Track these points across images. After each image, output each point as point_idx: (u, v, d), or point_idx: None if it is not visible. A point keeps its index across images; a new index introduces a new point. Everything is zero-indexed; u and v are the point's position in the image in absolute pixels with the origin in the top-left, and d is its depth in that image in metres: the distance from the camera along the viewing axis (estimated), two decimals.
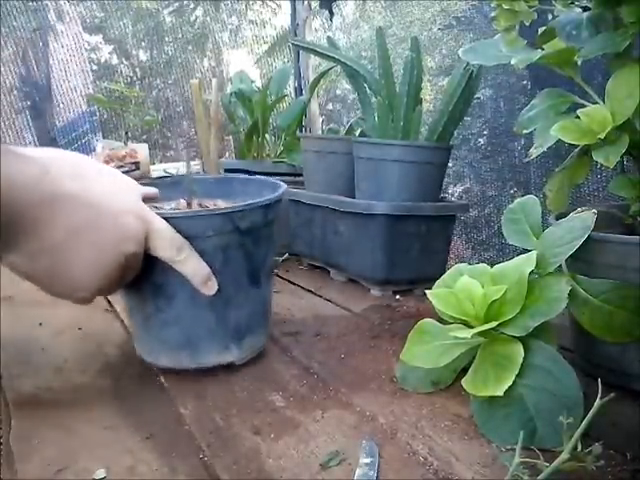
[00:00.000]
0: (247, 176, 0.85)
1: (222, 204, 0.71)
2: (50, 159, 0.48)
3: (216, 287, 0.60)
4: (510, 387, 0.50)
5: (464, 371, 0.57)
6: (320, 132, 1.73)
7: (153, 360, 0.66)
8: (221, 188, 0.77)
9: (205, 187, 0.75)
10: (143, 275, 0.60)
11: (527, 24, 0.65)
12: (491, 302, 0.54)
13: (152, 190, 0.65)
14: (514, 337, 0.53)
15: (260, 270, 0.67)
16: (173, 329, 0.63)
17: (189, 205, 0.69)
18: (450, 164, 1.08)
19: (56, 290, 0.52)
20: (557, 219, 0.60)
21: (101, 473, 0.48)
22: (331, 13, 1.81)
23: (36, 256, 0.47)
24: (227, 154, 2.04)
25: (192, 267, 0.58)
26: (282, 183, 0.71)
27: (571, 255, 0.54)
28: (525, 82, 1.21)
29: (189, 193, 0.69)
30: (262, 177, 0.81)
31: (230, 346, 0.65)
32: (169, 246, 0.56)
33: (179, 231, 0.58)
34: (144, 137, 2.09)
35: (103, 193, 0.51)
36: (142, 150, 1.30)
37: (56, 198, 0.46)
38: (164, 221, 0.56)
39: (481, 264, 0.61)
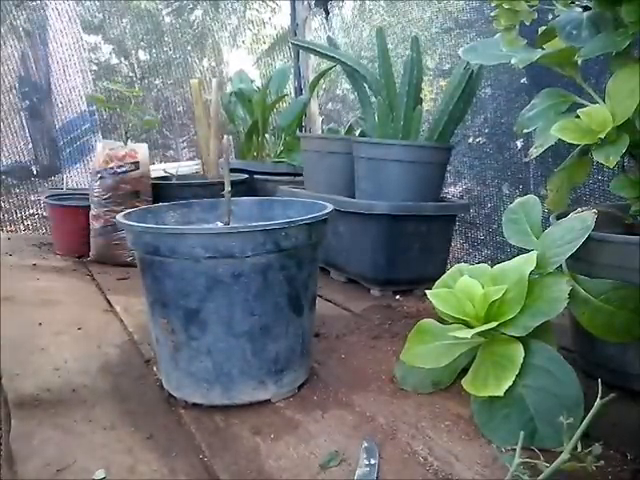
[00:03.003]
0: (290, 198, 0.77)
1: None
2: None
3: None
4: (510, 387, 0.50)
5: (464, 371, 0.56)
6: (320, 132, 1.73)
7: (181, 395, 0.60)
8: (262, 210, 0.71)
9: (244, 210, 0.70)
10: (174, 300, 0.55)
11: (527, 24, 0.65)
12: (491, 302, 0.54)
13: None
14: (514, 337, 0.53)
15: (302, 297, 0.61)
16: (205, 361, 0.57)
17: None
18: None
19: None
20: (557, 219, 0.60)
21: (101, 473, 0.48)
22: (326, 12, 1.81)
23: None
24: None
25: None
26: (328, 204, 0.65)
27: (571, 255, 0.54)
28: (524, 80, 1.21)
29: (227, 214, 0.62)
30: (307, 199, 0.73)
31: (266, 381, 0.59)
32: None
33: (216, 250, 0.53)
34: (144, 137, 2.09)
35: None
36: (142, 150, 1.29)
37: None
38: None
39: (481, 264, 0.61)
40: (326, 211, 0.61)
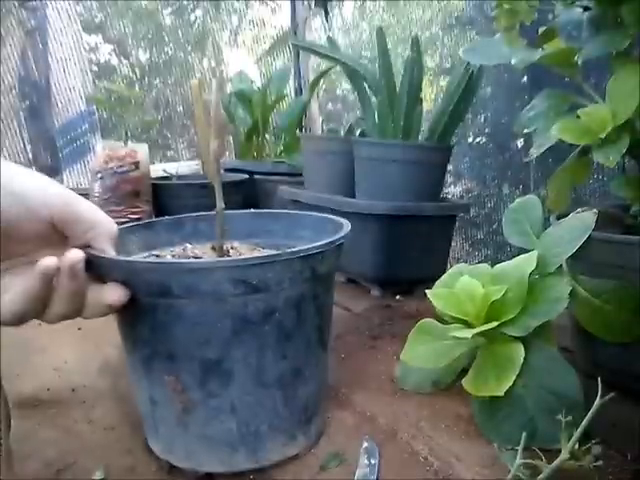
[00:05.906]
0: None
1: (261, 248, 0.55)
2: None
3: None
4: (510, 387, 0.50)
5: (464, 371, 0.56)
6: (320, 132, 1.73)
7: (193, 465, 0.48)
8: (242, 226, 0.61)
9: (234, 225, 0.60)
10: (187, 351, 0.44)
11: (528, 24, 0.65)
12: (492, 302, 0.54)
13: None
14: (515, 337, 0.53)
15: (327, 327, 0.52)
16: (227, 420, 0.46)
17: (220, 252, 0.52)
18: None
19: None
20: (558, 219, 0.60)
21: (100, 474, 0.48)
22: (326, 12, 1.81)
23: None
24: (227, 154, 2.04)
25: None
26: (322, 214, 0.57)
27: (572, 255, 0.54)
28: (525, 80, 1.21)
29: (219, 236, 0.52)
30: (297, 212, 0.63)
31: (296, 434, 0.50)
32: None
33: (248, 284, 0.42)
34: (144, 137, 2.09)
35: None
36: (142, 150, 1.29)
37: None
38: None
39: (481, 264, 0.61)
40: (348, 227, 0.52)
